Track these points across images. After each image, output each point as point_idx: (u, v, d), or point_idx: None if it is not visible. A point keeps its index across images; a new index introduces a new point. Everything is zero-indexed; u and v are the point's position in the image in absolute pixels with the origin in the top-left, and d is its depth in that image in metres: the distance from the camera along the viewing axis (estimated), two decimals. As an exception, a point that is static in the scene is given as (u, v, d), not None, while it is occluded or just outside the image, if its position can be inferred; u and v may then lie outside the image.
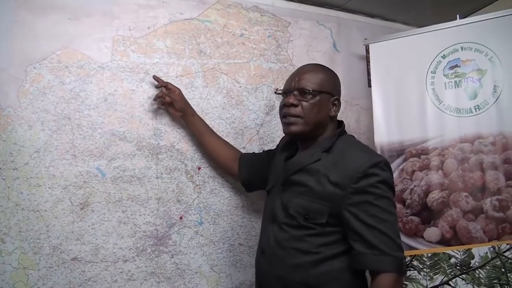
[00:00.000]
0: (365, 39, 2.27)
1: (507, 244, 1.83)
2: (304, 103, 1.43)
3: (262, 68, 2.07)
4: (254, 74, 2.04)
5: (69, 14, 1.69)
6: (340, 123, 1.54)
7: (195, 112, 1.82)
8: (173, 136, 1.84)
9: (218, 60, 1.97)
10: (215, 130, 1.89)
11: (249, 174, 1.78)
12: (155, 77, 1.78)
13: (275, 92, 1.68)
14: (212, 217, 1.88)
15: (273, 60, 2.11)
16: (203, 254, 1.85)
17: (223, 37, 1.99)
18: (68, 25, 1.69)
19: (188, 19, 1.92)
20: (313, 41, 2.24)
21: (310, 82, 1.45)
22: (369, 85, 2.24)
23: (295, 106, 1.44)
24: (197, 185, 1.86)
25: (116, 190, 1.70)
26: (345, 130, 1.52)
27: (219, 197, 1.91)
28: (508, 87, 1.90)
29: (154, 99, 1.77)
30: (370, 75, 2.24)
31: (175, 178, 1.82)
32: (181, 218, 1.81)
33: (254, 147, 2.00)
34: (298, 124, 1.44)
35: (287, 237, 1.41)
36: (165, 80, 1.80)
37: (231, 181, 1.93)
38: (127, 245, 1.70)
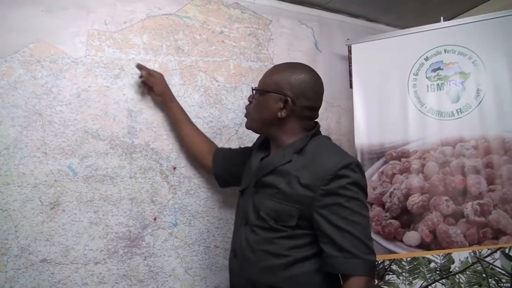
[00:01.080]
0: (348, 39, 2.31)
1: (488, 249, 1.88)
2: (253, 102, 1.54)
3: (242, 66, 2.09)
4: (233, 73, 2.06)
5: (43, 6, 1.68)
6: (315, 124, 1.55)
7: (174, 98, 1.85)
8: (148, 134, 1.84)
9: (197, 57, 1.98)
10: (192, 129, 1.90)
11: (223, 169, 1.80)
12: (139, 65, 1.80)
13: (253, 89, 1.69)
14: (187, 219, 1.89)
15: (254, 58, 2.13)
16: (178, 257, 1.85)
17: (202, 34, 2.00)
18: (42, 17, 1.67)
19: (166, 14, 1.93)
20: (295, 40, 2.27)
21: (262, 82, 1.53)
22: (351, 86, 2.27)
23: (250, 103, 1.56)
24: (172, 186, 1.87)
25: (88, 189, 1.69)
26: (319, 131, 1.54)
27: (195, 198, 1.92)
28: (492, 91, 1.95)
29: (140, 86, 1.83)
30: (352, 76, 2.27)
31: (149, 178, 1.82)
32: (155, 219, 1.81)
33: (232, 147, 2.00)
34: (247, 121, 1.58)
35: (258, 240, 1.43)
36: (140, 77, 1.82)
37: (207, 181, 1.94)
38: (99, 246, 1.69)
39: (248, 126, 1.58)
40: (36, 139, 1.63)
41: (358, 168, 1.36)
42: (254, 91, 1.55)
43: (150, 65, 1.86)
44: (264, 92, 1.49)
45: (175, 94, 1.89)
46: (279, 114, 1.45)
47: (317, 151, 1.42)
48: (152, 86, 1.80)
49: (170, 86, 1.88)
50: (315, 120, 1.55)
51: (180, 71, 1.93)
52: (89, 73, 1.74)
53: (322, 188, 1.30)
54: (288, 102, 1.44)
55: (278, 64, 1.61)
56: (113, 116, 1.77)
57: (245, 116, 1.60)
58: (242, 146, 2.01)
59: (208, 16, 2.02)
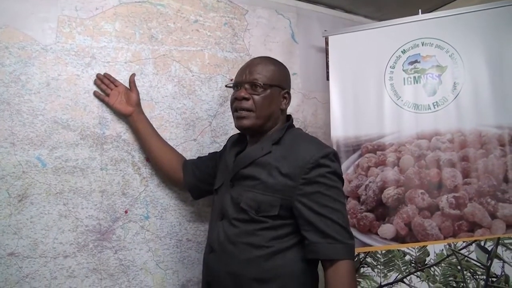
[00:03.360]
0: (325, 30, 2.35)
1: (464, 241, 1.95)
2: (256, 97, 1.52)
3: (217, 57, 2.11)
4: (208, 63, 2.08)
5: (11, -10, 1.68)
6: (289, 117, 1.66)
7: (142, 111, 1.86)
8: (119, 125, 1.85)
9: (170, 46, 2.00)
10: (164, 121, 1.94)
11: (195, 179, 1.82)
12: (106, 75, 1.82)
13: (226, 86, 1.76)
14: (159, 211, 1.91)
15: (229, 49, 2.15)
16: (149, 250, 1.88)
17: (176, 23, 2.02)
18: (10, 1, 1.67)
19: (139, 1, 1.94)
20: (271, 31, 2.31)
21: (262, 75, 1.53)
22: (328, 78, 2.32)
23: (247, 99, 1.52)
24: (144, 178, 1.89)
25: (57, 181, 1.70)
26: (293, 124, 1.64)
27: (167, 190, 1.94)
28: (468, 85, 2.02)
29: (95, 94, 1.82)
30: (328, 68, 2.31)
31: (120, 170, 1.84)
32: (126, 212, 1.83)
33: (206, 139, 2.04)
34: (250, 118, 1.52)
35: (238, 232, 1.47)
36: (114, 66, 1.85)
37: (181, 174, 1.97)
38: (68, 240, 1.71)
39: (250, 124, 1.52)
40: (4, 129, 1.63)
41: (336, 157, 1.46)
42: (254, 86, 1.52)
43: (122, 54, 1.87)
44: (268, 86, 1.53)
45: (147, 85, 1.92)
46: (281, 106, 1.58)
47: (295, 142, 1.50)
48: (126, 99, 1.81)
49: (143, 76, 1.91)
50: (289, 114, 1.68)
51: (154, 60, 1.95)
52: (59, 61, 1.75)
53: (303, 177, 1.39)
54: (288, 94, 1.60)
55: (259, 57, 1.67)
56: (84, 106, 1.78)
57: (243, 115, 1.53)
58: (216, 139, 2.06)
59: (182, 4, 2.04)
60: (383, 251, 2.05)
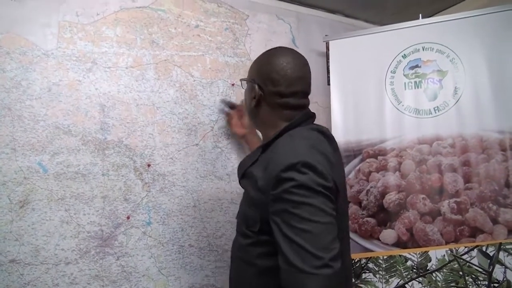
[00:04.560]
0: (326, 35, 2.33)
1: (465, 247, 1.93)
2: None
3: (218, 61, 2.09)
4: (209, 68, 2.06)
5: (12, -4, 1.66)
6: (291, 116, 1.38)
7: (256, 133, 1.93)
8: (121, 130, 1.82)
9: (172, 51, 1.97)
10: (166, 126, 1.91)
11: None
12: (223, 100, 2.03)
13: None
14: (161, 217, 1.88)
15: (230, 54, 2.13)
16: (151, 256, 1.85)
17: (177, 28, 2.00)
18: (11, 7, 1.65)
19: (140, 7, 1.92)
20: (272, 36, 2.29)
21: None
22: (328, 83, 2.30)
23: None
24: (146, 183, 1.86)
25: (58, 187, 1.67)
26: (302, 121, 1.37)
27: (169, 196, 1.91)
28: (469, 89, 2.01)
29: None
30: (329, 72, 2.29)
31: (122, 176, 1.81)
32: (128, 218, 1.81)
33: (208, 144, 2.02)
34: None
35: (238, 246, 1.38)
36: (115, 71, 1.82)
37: (182, 179, 1.94)
38: (70, 246, 1.68)
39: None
40: (5, 135, 1.60)
41: (307, 167, 1.15)
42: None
43: (124, 59, 1.85)
44: (244, 82, 1.49)
45: (149, 90, 1.89)
46: (251, 103, 1.41)
47: (277, 149, 1.27)
48: (241, 122, 1.95)
49: (144, 81, 1.89)
50: (306, 109, 1.41)
51: (155, 65, 1.92)
52: (60, 66, 1.72)
53: (271, 192, 1.17)
54: (255, 89, 1.38)
55: None
56: (85, 111, 1.76)
57: None
58: (218, 144, 2.03)
59: (183, 9, 2.02)
60: (385, 257, 2.03)
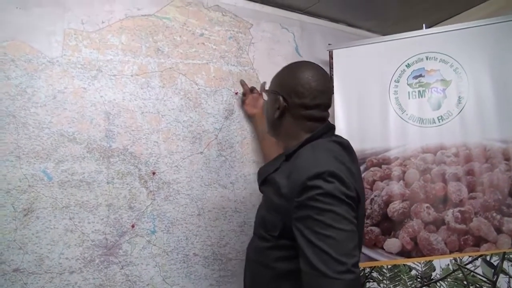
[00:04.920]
0: (329, 44, 2.33)
1: (469, 256, 1.92)
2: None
3: (222, 70, 2.08)
4: (213, 76, 2.05)
5: (17, 3, 1.64)
6: (317, 126, 1.42)
7: None
8: (126, 138, 1.81)
9: (176, 59, 1.96)
10: (171, 134, 1.90)
11: None
12: (242, 81, 2.11)
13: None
14: (166, 226, 1.86)
15: (234, 62, 2.12)
16: (156, 265, 1.82)
17: (182, 36, 1.99)
18: (16, 15, 1.64)
19: (145, 15, 1.91)
20: (275, 45, 2.28)
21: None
22: (332, 92, 2.28)
23: None
24: (150, 191, 1.84)
25: (63, 195, 1.65)
26: (324, 133, 1.41)
27: (174, 204, 1.90)
28: (473, 99, 2.00)
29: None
30: (333, 81, 2.29)
31: (127, 184, 1.79)
32: (133, 226, 1.79)
33: (212, 152, 2.00)
34: None
35: (254, 248, 1.42)
36: (120, 79, 1.81)
37: (186, 187, 1.93)
38: (74, 255, 1.65)
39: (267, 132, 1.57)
40: (10, 142, 1.58)
41: (333, 177, 1.21)
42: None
43: (129, 67, 1.84)
44: (267, 92, 1.51)
45: (154, 97, 1.88)
46: (275, 114, 1.44)
47: (299, 159, 1.32)
48: (254, 103, 2.05)
49: (149, 89, 1.88)
50: (327, 122, 1.45)
51: (160, 73, 1.91)
52: (65, 74, 1.71)
53: (296, 199, 1.22)
54: (280, 100, 1.42)
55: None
56: (90, 119, 1.74)
57: None
58: (222, 152, 2.02)
59: (188, 18, 2.01)
60: (389, 266, 2.01)
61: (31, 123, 1.62)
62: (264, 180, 1.44)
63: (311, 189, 1.19)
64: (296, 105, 1.40)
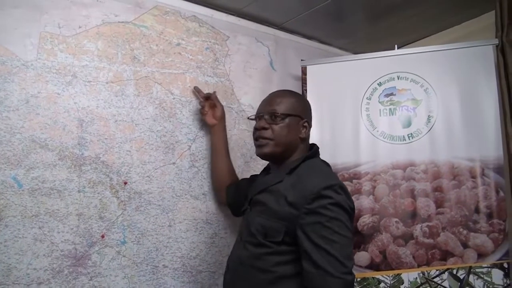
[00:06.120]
0: (302, 60, 2.34)
1: (437, 269, 1.94)
2: (274, 126, 1.57)
3: (198, 80, 2.05)
4: (189, 86, 2.02)
5: (-7, 3, 1.57)
6: (312, 146, 1.66)
7: (225, 128, 2.01)
8: (99, 146, 1.75)
9: (152, 68, 1.92)
10: (144, 143, 1.86)
11: (232, 198, 1.91)
12: (196, 88, 2.02)
13: (248, 118, 1.83)
14: (136, 236, 1.80)
15: (210, 73, 2.10)
16: (125, 277, 1.76)
17: (159, 45, 1.95)
18: (-9, 15, 1.56)
19: (123, 22, 1.87)
20: (251, 58, 2.27)
21: (280, 106, 1.59)
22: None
23: (266, 129, 1.58)
24: (122, 201, 1.78)
25: (33, 203, 1.57)
26: (317, 153, 1.64)
27: (145, 214, 1.84)
28: (442, 118, 2.05)
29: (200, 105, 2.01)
30: (306, 96, 2.29)
31: (98, 193, 1.73)
32: (102, 236, 1.72)
33: (185, 163, 1.96)
34: (268, 146, 1.57)
35: (248, 255, 1.49)
36: (95, 85, 1.77)
37: (158, 198, 1.88)
38: (43, 265, 1.57)
39: (268, 151, 1.58)
40: (-21, 147, 1.50)
41: (342, 190, 1.40)
42: (273, 116, 1.57)
43: (104, 74, 1.79)
44: (286, 115, 1.57)
45: (128, 106, 1.84)
46: (301, 135, 1.59)
47: (306, 172, 1.49)
48: (212, 113, 1.98)
49: (124, 97, 1.84)
50: (313, 143, 1.68)
51: (135, 81, 1.87)
52: (40, 78, 1.64)
53: (306, 206, 1.36)
54: (306, 123, 1.61)
55: (280, 90, 1.74)
56: (63, 125, 1.67)
57: (262, 143, 1.59)
58: (195, 163, 2.00)
59: (165, 27, 1.98)
60: (358, 279, 2.01)
61: (2, 128, 1.54)
62: (263, 190, 1.56)
63: (324, 198, 1.35)
64: (310, 128, 1.64)
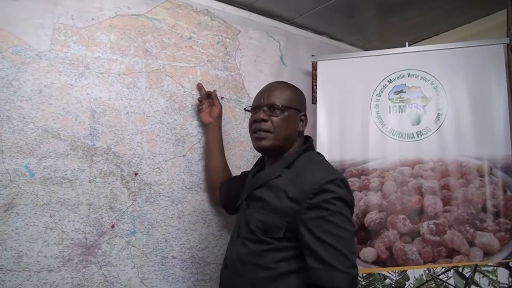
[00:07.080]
0: (313, 55, 2.33)
1: (442, 267, 1.93)
2: (274, 118, 1.53)
3: (209, 74, 2.05)
4: (200, 80, 2.01)
5: (8, -7, 1.57)
6: (307, 138, 1.62)
7: (221, 127, 1.96)
8: (110, 137, 1.75)
9: (164, 61, 1.92)
10: (155, 135, 1.86)
11: (225, 196, 1.85)
12: (199, 85, 1.98)
13: (245, 109, 1.77)
14: (145, 227, 1.81)
15: (221, 67, 2.09)
16: (134, 266, 1.77)
17: (171, 38, 1.95)
18: (5, 4, 1.57)
19: (135, 14, 1.86)
20: (262, 52, 2.27)
21: (279, 98, 1.55)
22: (313, 102, 2.28)
23: (266, 121, 1.53)
24: (132, 192, 1.79)
25: (44, 192, 1.58)
26: (313, 146, 1.61)
27: (155, 206, 1.84)
28: (451, 116, 2.03)
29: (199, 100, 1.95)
30: (314, 91, 2.28)
31: (109, 183, 1.73)
32: (113, 226, 1.73)
33: (195, 156, 1.96)
34: (268, 139, 1.52)
35: (248, 252, 1.45)
36: (107, 77, 1.77)
37: (168, 189, 1.88)
38: (53, 253, 1.58)
39: (268, 145, 1.53)
40: (-7, 135, 1.50)
41: (343, 183, 1.38)
42: (272, 108, 1.54)
43: (116, 66, 1.79)
44: (286, 108, 1.53)
45: (140, 98, 1.84)
46: (298, 128, 1.57)
47: (305, 166, 1.46)
48: (210, 111, 1.93)
49: (136, 89, 1.84)
50: (308, 135, 1.65)
51: (147, 74, 1.87)
52: (53, 69, 1.65)
53: (307, 201, 1.33)
54: (303, 116, 1.58)
55: (277, 82, 1.70)
56: (75, 116, 1.68)
57: (261, 136, 1.54)
58: (205, 156, 1.98)
59: (177, 20, 1.98)
60: (364, 274, 2.01)
61: (15, 117, 1.55)
62: (262, 184, 1.51)
63: (326, 192, 1.32)
64: (307, 121, 1.61)
